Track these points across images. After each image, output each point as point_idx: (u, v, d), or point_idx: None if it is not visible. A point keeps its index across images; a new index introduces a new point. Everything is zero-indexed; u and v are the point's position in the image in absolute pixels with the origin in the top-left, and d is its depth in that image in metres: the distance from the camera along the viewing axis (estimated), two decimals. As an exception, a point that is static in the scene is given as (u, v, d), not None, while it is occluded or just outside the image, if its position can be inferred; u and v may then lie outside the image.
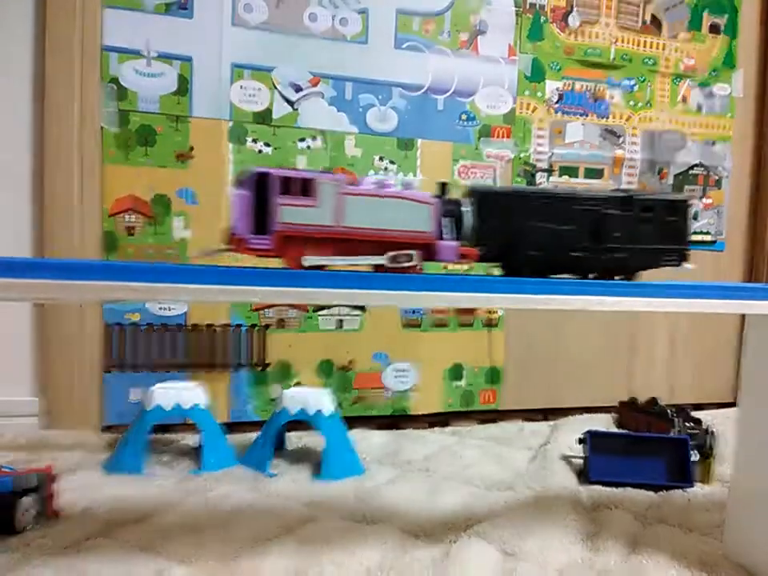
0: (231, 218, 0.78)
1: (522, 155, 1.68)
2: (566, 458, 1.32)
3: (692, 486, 1.21)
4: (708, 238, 1.86)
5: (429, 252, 0.86)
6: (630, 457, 1.22)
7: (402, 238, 0.86)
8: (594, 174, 1.74)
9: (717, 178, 1.86)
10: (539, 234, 0.90)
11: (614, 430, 1.56)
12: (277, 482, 1.18)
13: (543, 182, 1.70)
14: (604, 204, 0.92)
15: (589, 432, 1.25)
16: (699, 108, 1.83)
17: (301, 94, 1.50)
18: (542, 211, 0.91)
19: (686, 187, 1.82)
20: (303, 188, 0.82)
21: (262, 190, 0.80)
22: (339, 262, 0.86)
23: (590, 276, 0.95)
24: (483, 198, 0.91)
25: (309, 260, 0.84)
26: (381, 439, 1.47)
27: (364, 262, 0.87)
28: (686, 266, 0.97)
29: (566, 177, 1.72)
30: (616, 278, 0.94)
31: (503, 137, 1.66)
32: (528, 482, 1.22)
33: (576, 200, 0.92)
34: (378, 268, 0.87)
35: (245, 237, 0.79)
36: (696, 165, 1.83)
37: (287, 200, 0.81)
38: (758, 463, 0.95)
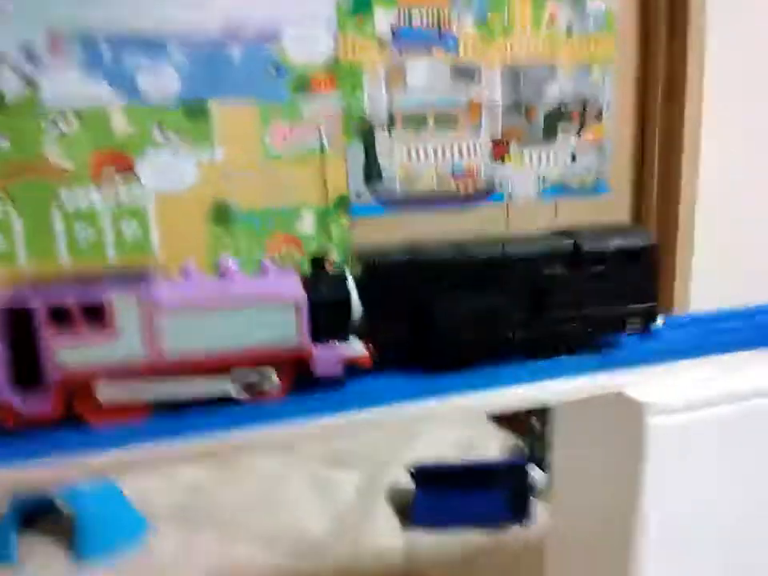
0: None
1: (353, 109, 1.39)
2: (393, 494, 1.12)
3: (530, 521, 1.02)
4: (589, 180, 1.61)
5: (300, 367, 0.64)
6: (463, 491, 1.03)
7: (259, 356, 0.63)
8: (447, 123, 1.46)
9: (596, 110, 1.59)
10: (458, 316, 0.69)
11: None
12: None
13: (385, 137, 1.42)
14: (543, 262, 0.71)
15: (416, 467, 1.04)
16: (570, 29, 1.52)
17: (39, 64, 1.16)
18: (460, 282, 0.69)
19: (560, 125, 1.55)
20: (90, 314, 0.58)
21: (19, 324, 0.56)
22: (167, 396, 0.63)
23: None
24: (372, 271, 0.68)
25: (106, 392, 0.61)
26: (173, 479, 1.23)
27: (207, 392, 0.64)
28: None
29: (413, 130, 1.44)
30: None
31: (326, 88, 1.36)
32: (341, 534, 1.02)
33: (505, 262, 0.70)
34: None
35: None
36: (570, 98, 1.56)
37: (66, 339, 0.58)
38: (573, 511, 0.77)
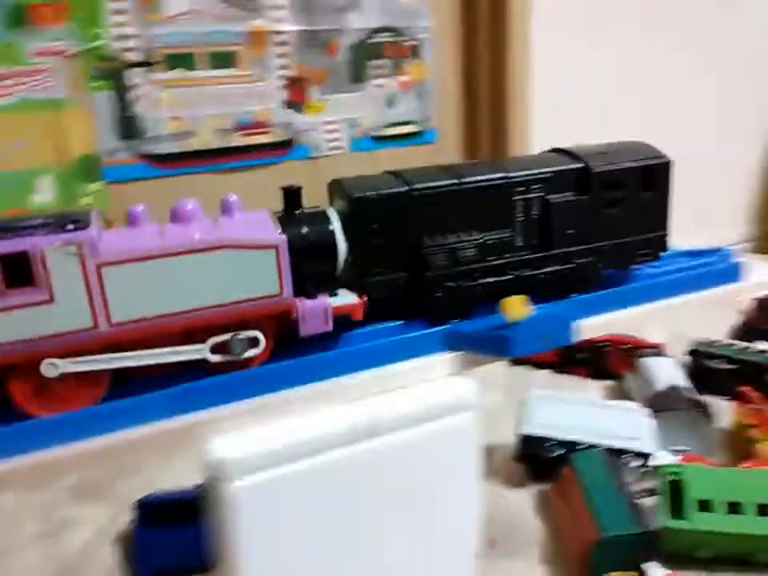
0: None
1: (94, 46, 1.10)
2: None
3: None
4: (412, 128, 1.40)
5: (283, 324, 0.57)
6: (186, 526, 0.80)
7: (233, 314, 0.55)
8: (222, 61, 1.20)
9: (413, 44, 1.37)
10: (455, 252, 0.62)
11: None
12: None
13: (143, 81, 1.15)
14: (549, 187, 0.65)
15: (141, 501, 0.82)
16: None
17: None
18: (457, 213, 0.64)
19: (370, 63, 1.32)
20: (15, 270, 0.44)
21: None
22: (131, 362, 0.54)
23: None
24: (361, 206, 0.60)
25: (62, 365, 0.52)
26: None
27: (174, 358, 0.56)
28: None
29: (180, 71, 1.17)
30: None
31: (54, 21, 1.07)
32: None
33: (506, 187, 0.63)
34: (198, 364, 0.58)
35: None
36: (380, 29, 1.32)
37: None
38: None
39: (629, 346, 1.28)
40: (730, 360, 1.19)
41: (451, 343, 0.77)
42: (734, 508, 0.79)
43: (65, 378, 0.54)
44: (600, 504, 0.81)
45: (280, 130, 1.26)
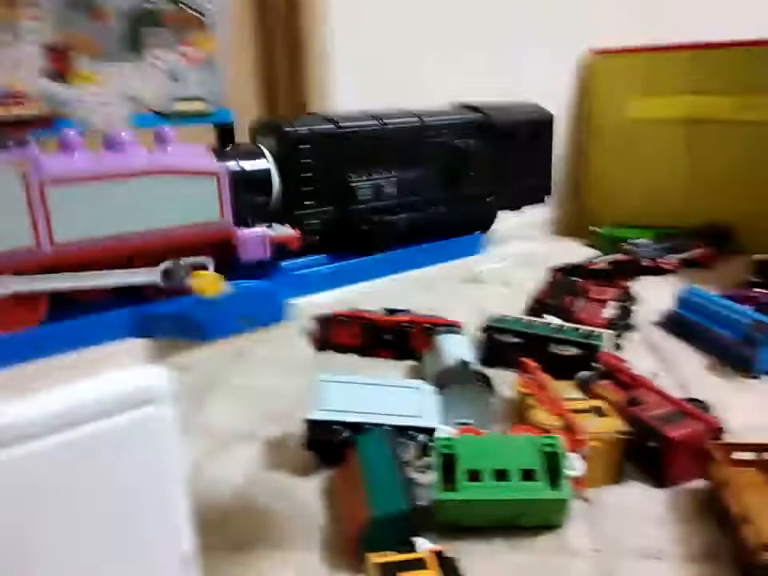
0: None
1: None
2: None
3: None
4: (202, 106, 1.31)
5: (224, 251, 0.43)
6: None
7: (177, 240, 0.50)
8: (-39, 20, 1.04)
9: (199, 16, 1.28)
10: (379, 188, 0.73)
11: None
12: None
13: None
14: (457, 133, 0.73)
15: None
16: None
17: None
18: (379, 152, 0.73)
19: (149, 33, 1.22)
20: None
21: None
22: (72, 285, 0.53)
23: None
24: (293, 141, 0.57)
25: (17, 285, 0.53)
26: None
27: (122, 281, 0.52)
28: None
29: None
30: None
31: None
32: None
33: (421, 130, 0.71)
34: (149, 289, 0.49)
35: None
36: (158, -2, 1.22)
37: None
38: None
39: (430, 325, 1.30)
40: (518, 334, 1.24)
41: (142, 328, 0.70)
42: (502, 475, 0.80)
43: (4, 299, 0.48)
44: (374, 484, 0.80)
45: (42, 103, 1.12)
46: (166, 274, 0.53)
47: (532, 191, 0.74)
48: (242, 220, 0.54)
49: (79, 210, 0.49)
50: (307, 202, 0.61)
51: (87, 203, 0.49)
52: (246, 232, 0.56)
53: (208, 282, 0.72)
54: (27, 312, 0.51)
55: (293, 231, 0.61)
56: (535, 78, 1.96)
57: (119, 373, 0.42)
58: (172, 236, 0.53)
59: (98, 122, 1.17)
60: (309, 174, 0.63)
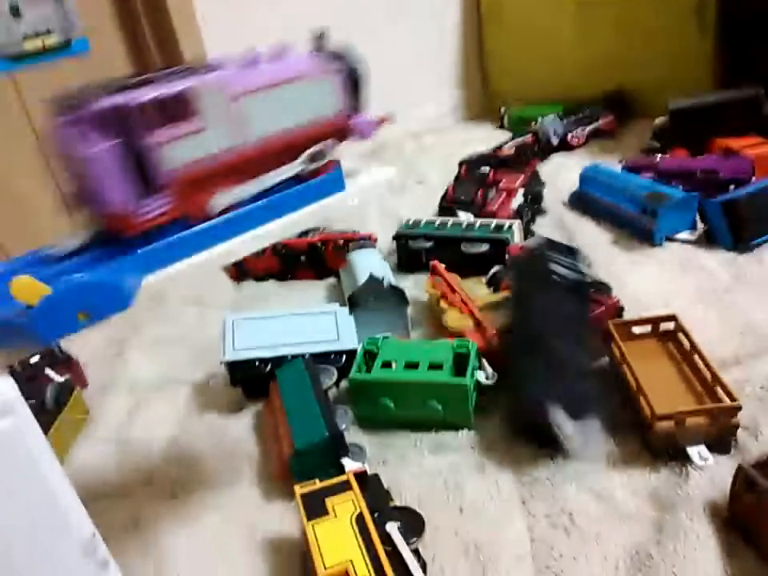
0: (80, 184, 0.30)
1: None
2: None
3: None
4: (56, 40, 1.19)
5: (342, 135, 0.50)
6: None
7: (313, 131, 0.59)
8: None
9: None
10: None
11: None
12: None
13: None
14: None
15: None
16: None
17: None
18: None
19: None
20: (176, 109, 0.42)
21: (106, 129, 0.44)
22: (255, 189, 0.66)
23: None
24: None
25: (217, 203, 0.55)
26: None
27: (282, 177, 0.68)
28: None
29: None
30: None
31: None
32: None
33: None
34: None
35: (128, 208, 0.36)
36: None
37: (165, 136, 0.48)
38: None
39: (342, 241, 1.29)
40: (429, 238, 1.25)
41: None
42: (411, 366, 0.85)
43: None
44: (296, 415, 0.82)
45: None
46: (313, 157, 0.69)
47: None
48: (351, 110, 0.68)
49: (259, 113, 0.64)
50: None
51: (264, 107, 0.64)
52: (357, 119, 0.66)
53: (27, 288, 0.69)
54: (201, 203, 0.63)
55: (384, 115, 0.77)
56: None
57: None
58: (317, 127, 0.69)
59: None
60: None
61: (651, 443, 0.75)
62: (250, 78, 0.68)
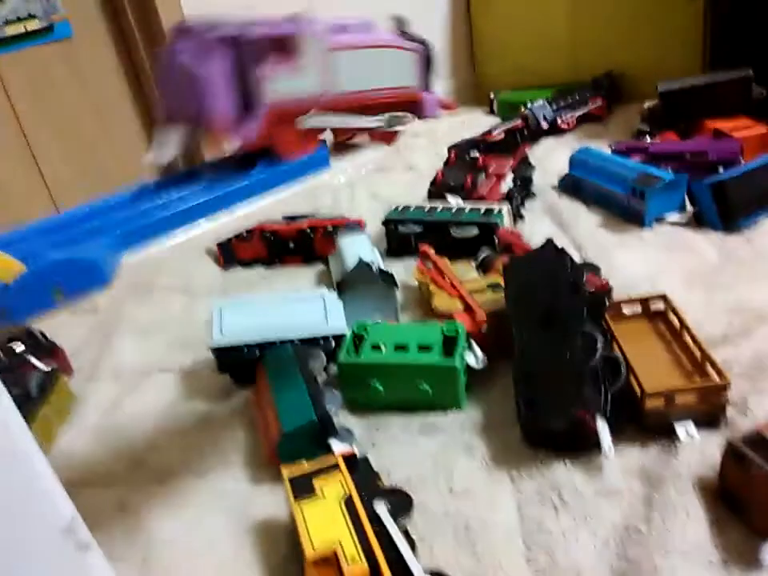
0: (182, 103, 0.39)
1: None
2: None
3: None
4: (37, 24, 1.17)
5: (413, 108, 0.45)
6: None
7: (390, 98, 0.59)
8: None
9: None
10: None
11: None
12: None
13: None
14: None
15: None
16: None
17: None
18: None
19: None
20: (282, 48, 0.43)
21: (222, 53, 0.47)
22: (339, 124, 0.75)
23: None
24: None
25: (311, 121, 0.65)
26: None
27: (365, 124, 0.75)
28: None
29: None
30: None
31: None
32: None
33: None
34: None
35: (228, 119, 0.45)
36: None
37: (269, 69, 0.49)
38: None
39: (331, 227, 1.28)
40: (418, 222, 1.24)
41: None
42: (401, 349, 0.85)
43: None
44: (283, 399, 0.82)
45: None
46: (390, 121, 0.69)
47: None
48: (423, 87, 0.65)
49: (346, 71, 0.70)
50: None
51: (351, 67, 0.69)
52: (427, 96, 0.71)
53: (1, 265, 0.68)
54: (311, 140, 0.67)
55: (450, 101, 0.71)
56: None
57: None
58: (393, 94, 0.71)
59: None
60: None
61: (641, 420, 0.75)
62: (344, 37, 0.70)
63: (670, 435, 0.73)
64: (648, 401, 0.73)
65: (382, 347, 0.86)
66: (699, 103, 1.49)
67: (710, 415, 0.74)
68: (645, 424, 0.74)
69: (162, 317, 1.16)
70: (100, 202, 1.28)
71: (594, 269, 1.01)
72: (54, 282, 0.85)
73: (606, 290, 0.97)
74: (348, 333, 0.90)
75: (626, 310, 0.92)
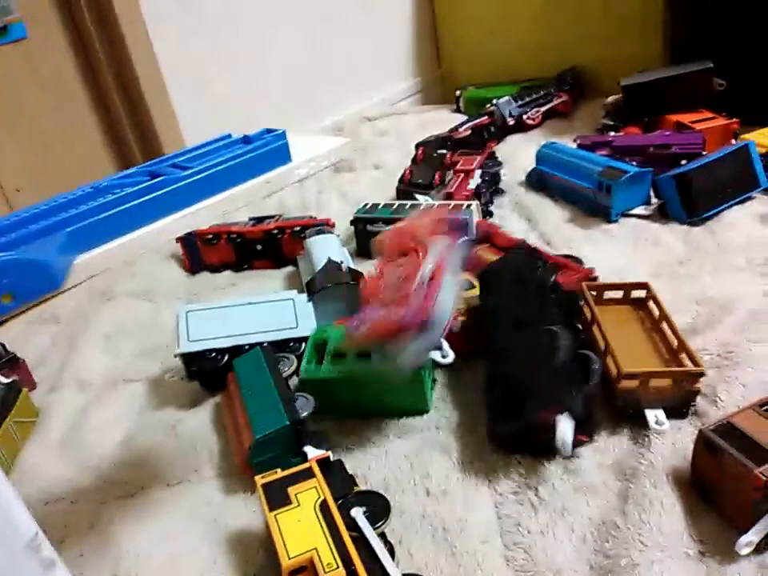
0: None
1: None
2: None
3: None
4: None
5: None
6: None
7: None
8: None
9: None
10: None
11: None
12: None
13: None
14: None
15: None
16: None
17: None
18: None
19: None
20: None
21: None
22: None
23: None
24: None
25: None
26: None
27: None
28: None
29: None
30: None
31: None
32: None
33: None
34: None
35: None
36: None
37: None
38: None
39: (299, 228, 1.27)
40: (386, 221, 1.23)
41: None
42: (365, 356, 0.82)
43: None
44: (254, 405, 0.80)
45: None
46: None
47: None
48: None
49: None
50: None
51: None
52: None
53: None
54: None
55: None
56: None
57: None
58: None
59: None
60: None
61: (615, 402, 0.75)
62: None
63: (639, 421, 0.73)
64: (623, 382, 0.73)
65: (347, 356, 0.83)
66: (661, 96, 1.51)
67: (682, 402, 0.74)
68: (617, 405, 0.75)
69: (128, 325, 1.13)
70: (52, 201, 1.23)
71: (577, 260, 1.02)
72: (1, 286, 0.80)
73: (591, 276, 0.97)
74: (308, 341, 0.87)
75: (608, 295, 0.92)
